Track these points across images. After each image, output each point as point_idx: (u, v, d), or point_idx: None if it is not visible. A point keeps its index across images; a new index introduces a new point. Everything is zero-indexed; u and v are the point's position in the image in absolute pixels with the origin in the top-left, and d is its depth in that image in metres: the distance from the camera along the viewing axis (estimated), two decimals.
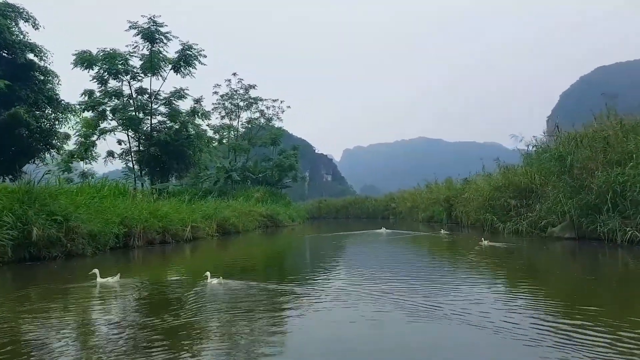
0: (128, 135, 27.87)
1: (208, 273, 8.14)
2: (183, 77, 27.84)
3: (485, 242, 14.01)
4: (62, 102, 24.90)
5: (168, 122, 28.10)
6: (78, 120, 25.44)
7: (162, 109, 27.97)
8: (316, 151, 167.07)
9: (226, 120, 45.67)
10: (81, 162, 28.58)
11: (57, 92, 24.74)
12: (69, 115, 24.78)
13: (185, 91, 27.57)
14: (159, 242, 17.01)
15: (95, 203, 14.71)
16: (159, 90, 27.80)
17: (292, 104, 47.03)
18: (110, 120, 27.89)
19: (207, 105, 45.19)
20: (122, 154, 28.64)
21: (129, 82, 27.76)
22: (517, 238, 17.98)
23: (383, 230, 24.16)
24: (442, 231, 21.89)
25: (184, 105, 32.51)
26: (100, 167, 29.56)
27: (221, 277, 8.08)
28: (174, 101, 27.58)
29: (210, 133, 40.08)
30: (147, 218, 16.26)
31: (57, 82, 24.79)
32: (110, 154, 28.70)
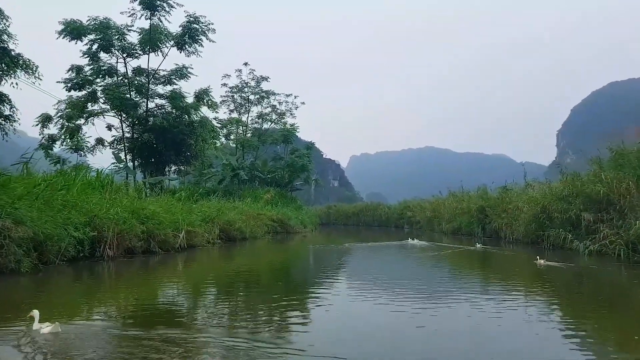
0: (121, 120, 23.73)
1: (36, 312, 5.02)
2: (187, 55, 23.80)
3: (542, 262, 12.08)
4: (12, 52, 19.74)
5: (168, 106, 23.90)
6: (33, 79, 20.19)
7: (161, 90, 23.84)
8: (324, 156, 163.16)
9: (235, 115, 41.68)
10: (75, 153, 24.50)
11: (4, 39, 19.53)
12: (17, 70, 19.76)
13: (189, 69, 23.36)
14: (142, 251, 12.89)
15: (46, 194, 10.48)
16: (158, 69, 23.66)
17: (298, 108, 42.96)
18: (103, 104, 23.86)
19: (215, 98, 40.90)
20: (113, 142, 24.57)
21: (124, 59, 23.76)
22: (593, 260, 14.16)
23: (416, 242, 21.38)
24: (478, 245, 19.39)
25: (187, 87, 27.92)
26: (103, 160, 24.93)
27: (57, 323, 4.86)
28: (175, 80, 23.39)
29: (218, 131, 36.01)
30: (125, 219, 12.11)
31: (5, 24, 19.59)
32: (100, 141, 24.61)
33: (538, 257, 12.56)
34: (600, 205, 17.65)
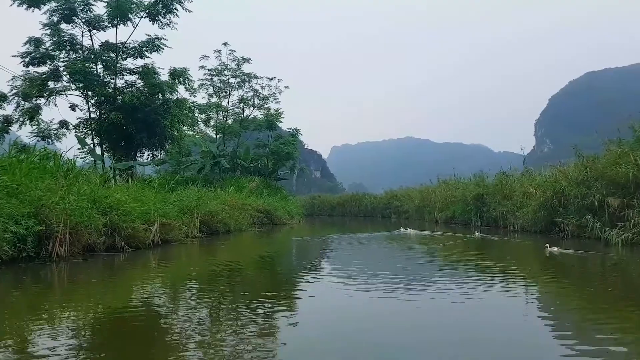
0: (86, 99, 20.95)
1: None
2: (161, 27, 21.12)
3: (554, 249, 11.68)
4: None
5: (139, 84, 21.23)
6: None
7: (131, 64, 21.18)
8: (305, 146, 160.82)
9: (214, 99, 38.92)
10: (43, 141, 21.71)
11: None
12: None
13: (163, 41, 20.70)
14: (106, 248, 10.54)
15: None
16: (127, 41, 20.98)
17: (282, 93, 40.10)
18: (66, 82, 21.10)
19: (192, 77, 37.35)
20: (78, 125, 21.84)
21: (90, 32, 21.05)
22: (623, 249, 12.87)
23: (410, 231, 20.29)
24: (477, 234, 18.87)
25: (162, 65, 24.83)
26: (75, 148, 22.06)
27: None
28: (146, 53, 20.74)
29: (196, 112, 33.28)
30: (82, 209, 9.73)
31: None
32: (63, 124, 21.85)
33: (547, 244, 12.09)
34: (627, 190, 15.98)
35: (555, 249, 11.80)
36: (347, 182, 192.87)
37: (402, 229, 21.12)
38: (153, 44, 20.50)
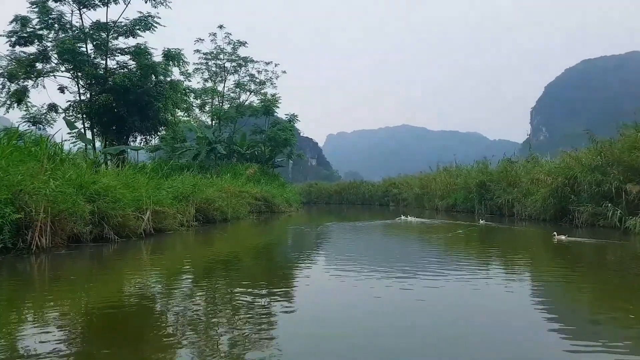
0: (76, 80, 19.87)
1: None
2: (155, 5, 20.06)
3: (563, 237, 11.40)
4: None
5: (131, 65, 20.14)
6: None
7: (123, 44, 20.08)
8: (301, 134, 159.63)
9: (210, 84, 37.74)
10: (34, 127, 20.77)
11: None
12: None
13: (156, 19, 19.58)
14: (93, 238, 9.67)
15: None
16: (119, 20, 19.88)
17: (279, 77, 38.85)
18: (56, 63, 19.99)
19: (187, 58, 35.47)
20: (68, 109, 20.78)
21: (79, 11, 19.93)
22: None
23: (413, 219, 20.16)
24: (482, 221, 18.56)
25: (154, 44, 23.41)
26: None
27: None
28: (139, 31, 19.63)
29: (191, 97, 32.16)
30: (67, 196, 8.83)
31: None
32: (53, 108, 20.79)
33: (555, 233, 11.85)
34: None
35: (564, 237, 11.48)
36: (343, 170, 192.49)
37: (402, 217, 20.68)
38: (146, 22, 19.37)
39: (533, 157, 27.27)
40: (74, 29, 20.22)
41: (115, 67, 20.20)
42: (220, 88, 38.13)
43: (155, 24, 19.51)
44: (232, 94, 39.02)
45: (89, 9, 20.17)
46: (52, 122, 21.62)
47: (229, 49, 36.80)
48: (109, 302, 5.14)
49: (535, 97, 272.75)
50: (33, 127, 19.83)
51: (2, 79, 19.03)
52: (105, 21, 20.23)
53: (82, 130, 19.46)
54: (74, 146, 19.40)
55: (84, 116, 19.89)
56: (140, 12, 19.62)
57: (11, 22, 19.55)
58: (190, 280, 6.94)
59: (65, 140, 18.23)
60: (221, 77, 38.04)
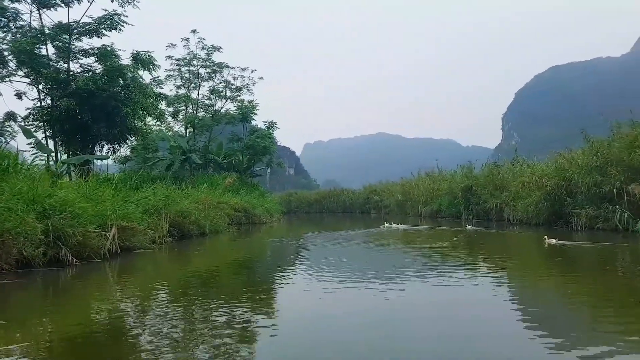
0: (37, 86, 18.24)
1: None
2: (121, 4, 18.60)
3: (553, 241, 11.33)
4: None
5: (97, 68, 18.60)
6: None
7: (87, 44, 18.53)
8: (279, 143, 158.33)
9: (183, 91, 36.17)
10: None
11: None
12: None
13: (123, 17, 18.09)
14: (48, 262, 8.24)
15: None
16: (81, 19, 18.35)
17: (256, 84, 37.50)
18: (13, 68, 18.35)
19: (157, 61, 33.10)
20: (28, 117, 19.10)
21: (38, 10, 18.39)
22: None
23: (399, 226, 19.60)
24: (469, 227, 18.25)
25: (120, 41, 21.67)
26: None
27: None
28: (104, 31, 18.12)
29: (163, 104, 30.59)
30: (12, 212, 7.41)
31: None
32: (11, 116, 19.10)
33: (546, 236, 11.73)
34: None
35: (554, 241, 11.43)
36: (321, 179, 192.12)
37: (386, 224, 20.01)
38: (112, 21, 17.82)
39: (517, 160, 26.78)
40: (32, 30, 18.67)
41: (79, 70, 18.65)
42: (194, 95, 36.65)
43: (121, 23, 18.04)
44: (206, 101, 37.58)
45: (49, 9, 18.63)
46: (13, 133, 20.01)
47: (202, 54, 35.41)
48: (67, 335, 3.83)
49: (506, 104, 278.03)
50: None
51: None
52: (68, 22, 18.75)
53: (43, 140, 17.78)
54: (35, 157, 17.83)
55: (45, 124, 18.25)
56: (105, 10, 18.14)
57: None
58: (162, 305, 5.63)
59: (24, 151, 16.72)
60: (195, 83, 36.52)
